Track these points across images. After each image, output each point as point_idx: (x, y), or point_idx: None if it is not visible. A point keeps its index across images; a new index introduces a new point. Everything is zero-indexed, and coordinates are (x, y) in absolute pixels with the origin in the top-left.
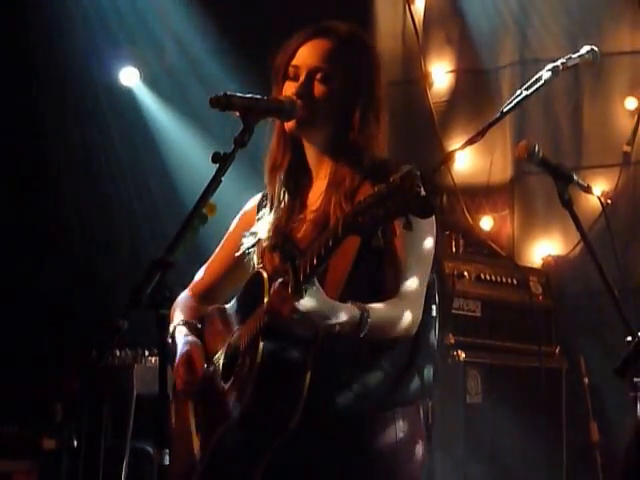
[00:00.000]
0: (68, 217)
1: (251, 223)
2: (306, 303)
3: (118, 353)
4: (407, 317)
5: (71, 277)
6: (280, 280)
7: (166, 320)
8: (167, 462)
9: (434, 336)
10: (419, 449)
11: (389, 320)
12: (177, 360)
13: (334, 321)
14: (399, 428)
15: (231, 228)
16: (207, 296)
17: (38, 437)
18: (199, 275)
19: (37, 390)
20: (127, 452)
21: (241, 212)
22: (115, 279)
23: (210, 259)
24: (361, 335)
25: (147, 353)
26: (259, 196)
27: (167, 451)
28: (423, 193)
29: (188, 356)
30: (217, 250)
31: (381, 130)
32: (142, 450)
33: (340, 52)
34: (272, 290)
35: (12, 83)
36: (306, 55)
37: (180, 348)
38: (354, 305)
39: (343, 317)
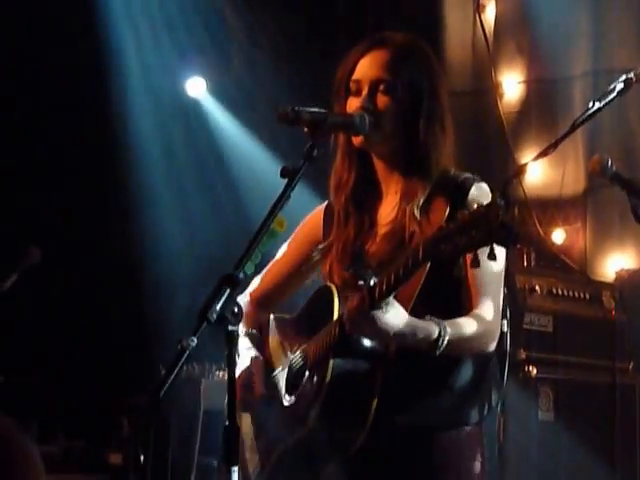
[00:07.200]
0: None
1: (316, 232)
2: (388, 321)
3: (185, 367)
4: (483, 334)
5: (143, 293)
6: (357, 296)
7: (235, 337)
8: (235, 479)
9: (504, 352)
10: (477, 466)
11: (466, 336)
12: (237, 376)
13: (411, 339)
14: (462, 446)
15: (294, 235)
16: (265, 303)
17: (105, 452)
18: (258, 280)
19: (104, 405)
20: (194, 468)
21: (305, 219)
22: (175, 292)
23: (271, 264)
24: (437, 353)
25: (214, 367)
26: (324, 205)
27: (235, 468)
28: (508, 223)
29: (249, 374)
30: (279, 256)
31: (447, 139)
32: (209, 466)
33: (400, 61)
34: (351, 303)
35: (84, 89)
36: (366, 68)
37: (242, 363)
38: (432, 321)
39: (420, 335)
